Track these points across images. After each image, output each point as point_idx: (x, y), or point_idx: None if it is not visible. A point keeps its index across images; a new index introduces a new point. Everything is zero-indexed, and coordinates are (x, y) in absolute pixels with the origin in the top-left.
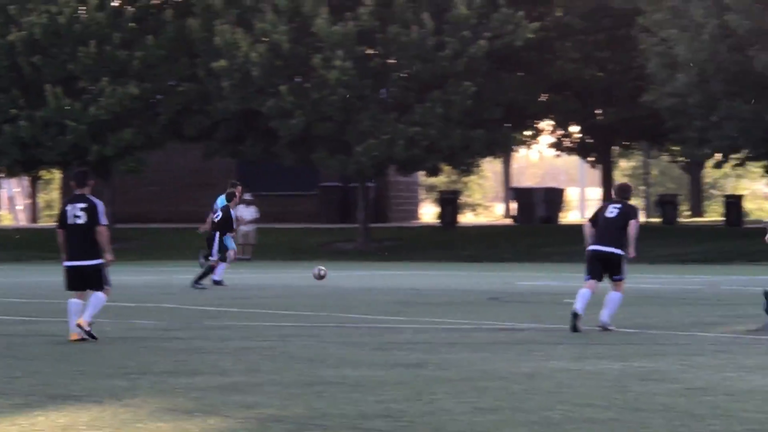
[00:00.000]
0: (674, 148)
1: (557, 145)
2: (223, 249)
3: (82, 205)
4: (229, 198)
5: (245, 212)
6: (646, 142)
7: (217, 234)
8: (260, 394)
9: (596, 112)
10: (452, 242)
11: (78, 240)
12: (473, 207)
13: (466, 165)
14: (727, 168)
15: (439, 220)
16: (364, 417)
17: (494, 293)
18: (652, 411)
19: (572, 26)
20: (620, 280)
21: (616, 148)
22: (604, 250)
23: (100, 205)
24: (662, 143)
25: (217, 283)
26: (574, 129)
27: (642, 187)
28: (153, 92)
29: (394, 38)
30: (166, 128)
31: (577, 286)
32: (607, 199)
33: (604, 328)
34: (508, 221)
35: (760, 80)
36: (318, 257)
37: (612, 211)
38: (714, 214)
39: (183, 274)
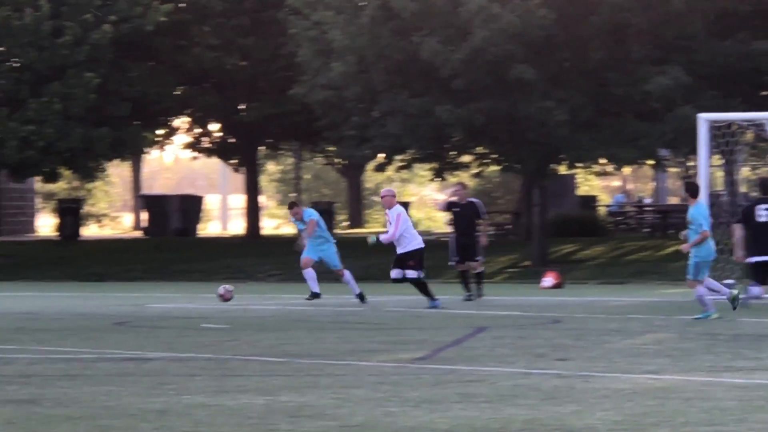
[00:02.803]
0: (330, 148)
1: (195, 146)
2: None
3: None
4: None
5: None
6: (297, 142)
7: None
8: None
9: (239, 107)
10: (74, 258)
11: None
12: (98, 218)
13: (88, 169)
14: (390, 171)
15: (58, 233)
16: None
17: (121, 317)
18: None
19: (211, 8)
20: None
21: (262, 149)
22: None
23: None
24: (316, 143)
25: None
26: (214, 127)
27: (293, 194)
28: None
29: (3, 23)
30: None
31: (215, 308)
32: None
33: None
34: (138, 234)
35: (427, 70)
36: None
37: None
38: (376, 224)
39: None
